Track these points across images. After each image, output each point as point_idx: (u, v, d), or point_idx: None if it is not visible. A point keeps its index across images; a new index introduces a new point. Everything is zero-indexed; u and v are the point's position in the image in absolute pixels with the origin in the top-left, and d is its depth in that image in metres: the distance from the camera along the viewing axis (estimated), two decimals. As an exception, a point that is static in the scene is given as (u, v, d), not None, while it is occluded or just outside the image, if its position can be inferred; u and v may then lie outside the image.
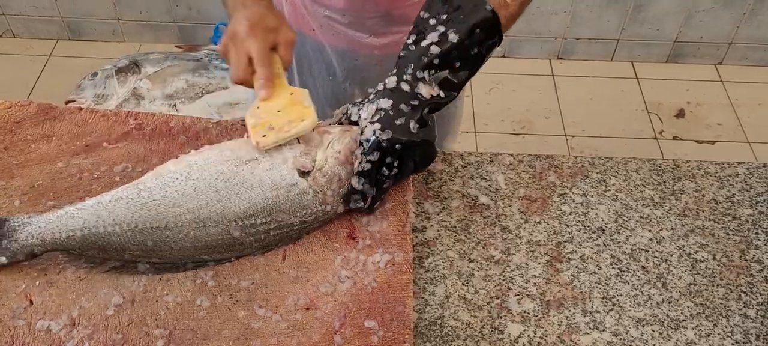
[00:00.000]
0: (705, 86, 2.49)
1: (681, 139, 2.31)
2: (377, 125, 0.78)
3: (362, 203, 0.80)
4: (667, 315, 0.80)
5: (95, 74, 2.23)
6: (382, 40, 1.08)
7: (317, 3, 1.06)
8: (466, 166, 0.95)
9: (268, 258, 0.79)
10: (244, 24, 0.82)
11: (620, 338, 0.77)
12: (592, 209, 0.90)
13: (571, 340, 0.77)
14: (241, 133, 0.93)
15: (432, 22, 0.81)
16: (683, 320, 0.79)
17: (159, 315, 0.74)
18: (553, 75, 2.54)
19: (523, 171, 0.94)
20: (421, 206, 0.90)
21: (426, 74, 0.79)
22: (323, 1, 1.05)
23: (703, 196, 0.92)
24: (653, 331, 0.78)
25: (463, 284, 0.82)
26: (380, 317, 0.74)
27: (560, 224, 0.88)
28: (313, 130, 0.80)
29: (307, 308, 0.75)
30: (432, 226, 0.88)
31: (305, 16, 1.10)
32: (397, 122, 0.78)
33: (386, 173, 0.79)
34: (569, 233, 0.87)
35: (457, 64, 0.81)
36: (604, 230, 0.88)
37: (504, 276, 0.83)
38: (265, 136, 0.79)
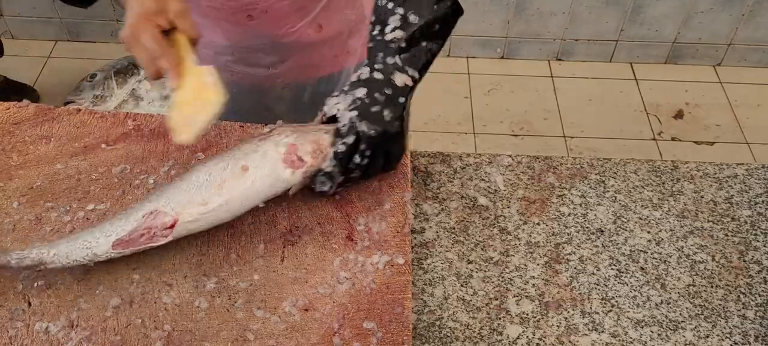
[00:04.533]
0: (704, 87, 2.49)
1: (680, 140, 2.31)
2: (354, 112, 0.79)
3: (326, 187, 0.80)
4: (666, 316, 0.80)
5: (94, 76, 2.23)
6: (280, 71, 1.08)
7: (205, 46, 1.01)
8: (464, 168, 0.95)
9: (267, 259, 0.79)
10: (131, 20, 0.75)
11: (619, 340, 0.77)
12: (590, 210, 0.90)
13: (569, 341, 0.77)
14: (240, 135, 0.93)
15: (390, 6, 0.82)
16: (682, 322, 0.79)
17: (157, 317, 0.74)
18: (551, 76, 2.54)
19: (522, 172, 0.94)
20: (419, 207, 0.90)
21: (397, 59, 0.81)
22: (211, 43, 1.04)
23: (702, 197, 0.92)
24: (652, 332, 0.78)
25: (461, 286, 0.82)
26: (379, 319, 0.74)
27: (559, 225, 0.88)
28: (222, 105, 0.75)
29: (306, 310, 0.75)
30: (431, 227, 0.88)
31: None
32: (372, 110, 0.79)
33: (357, 160, 0.79)
34: (568, 234, 0.87)
35: (424, 44, 0.82)
36: (603, 231, 0.88)
37: (503, 277, 0.83)
38: (183, 133, 0.75)
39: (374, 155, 0.80)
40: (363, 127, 0.78)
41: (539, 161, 0.96)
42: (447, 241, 0.86)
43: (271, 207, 0.84)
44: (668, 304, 0.81)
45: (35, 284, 0.76)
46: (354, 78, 0.82)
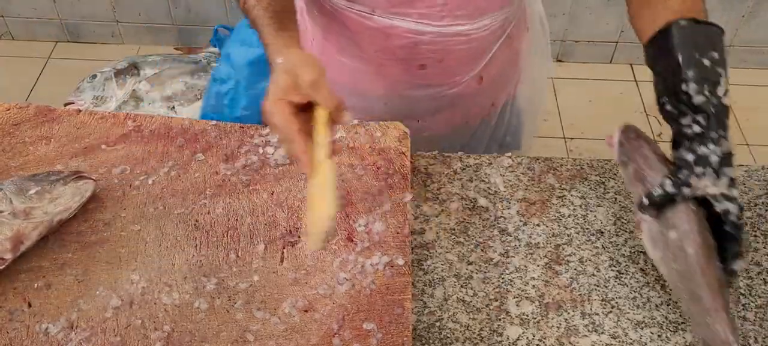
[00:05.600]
0: (704, 89, 2.49)
1: (680, 141, 2.31)
2: (736, 207, 0.72)
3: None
4: (666, 318, 0.79)
5: (94, 76, 2.23)
6: (432, 123, 1.04)
7: (357, 95, 1.00)
8: (464, 169, 0.95)
9: (267, 260, 0.79)
10: (268, 98, 0.70)
11: (619, 341, 0.77)
12: (590, 211, 0.90)
13: (569, 342, 0.77)
14: (240, 136, 0.93)
15: (706, 63, 0.75)
16: (682, 323, 0.79)
17: (157, 318, 0.74)
18: (551, 77, 2.54)
19: (522, 173, 0.94)
20: (419, 208, 0.90)
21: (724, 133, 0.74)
22: (365, 91, 1.00)
23: (702, 198, 0.92)
24: (652, 333, 0.78)
25: (461, 287, 0.82)
26: (379, 320, 0.74)
27: (559, 226, 0.88)
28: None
29: (306, 311, 0.75)
30: (431, 228, 0.88)
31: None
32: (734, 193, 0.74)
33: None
34: (568, 236, 0.87)
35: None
36: (602, 233, 0.88)
37: (503, 278, 0.83)
38: (309, 242, 0.70)
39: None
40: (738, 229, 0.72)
41: (539, 162, 0.96)
42: (447, 242, 0.86)
43: (270, 208, 0.84)
44: (668, 305, 0.81)
45: (35, 285, 0.76)
46: (709, 150, 0.72)
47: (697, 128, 0.73)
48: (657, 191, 0.74)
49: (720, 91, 0.73)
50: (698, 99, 0.73)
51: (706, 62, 0.74)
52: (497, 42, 0.99)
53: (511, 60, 1.08)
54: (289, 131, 0.68)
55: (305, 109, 0.70)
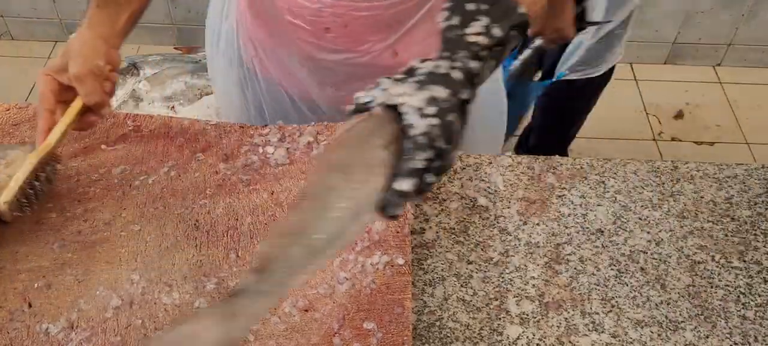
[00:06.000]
0: (704, 88, 2.49)
1: (680, 140, 2.31)
2: (435, 120, 0.63)
3: (400, 211, 0.63)
4: (666, 317, 0.80)
5: (94, 76, 2.22)
6: (349, 93, 1.02)
7: (279, 64, 1.04)
8: (464, 168, 0.95)
9: (267, 260, 0.79)
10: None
11: (619, 340, 0.77)
12: (590, 210, 0.90)
13: (569, 341, 0.77)
14: (240, 135, 0.93)
15: (470, 7, 0.71)
16: (682, 322, 0.79)
17: (157, 318, 0.74)
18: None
19: (522, 173, 0.94)
20: (419, 207, 0.90)
21: (474, 66, 0.68)
22: (286, 61, 1.03)
23: (702, 197, 0.92)
24: (652, 332, 0.78)
25: (461, 286, 0.82)
26: (379, 319, 0.74)
27: (559, 225, 0.88)
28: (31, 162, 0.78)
29: (306, 310, 0.75)
30: (430, 227, 0.88)
31: (272, 69, 1.07)
32: (449, 118, 0.65)
33: (429, 179, 0.64)
34: (568, 235, 0.87)
35: (492, 63, 0.72)
36: (602, 232, 0.88)
37: (503, 278, 0.83)
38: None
39: (442, 170, 0.65)
40: (441, 143, 0.63)
41: (539, 162, 0.96)
42: (447, 241, 0.86)
43: (270, 207, 0.84)
44: (668, 304, 0.81)
45: (35, 285, 0.76)
46: (427, 67, 0.67)
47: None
48: (359, 98, 0.66)
49: (468, 29, 0.69)
50: (443, 24, 0.70)
51: (468, 4, 0.71)
52: (414, 16, 0.96)
53: (438, 41, 1.04)
54: (41, 104, 0.81)
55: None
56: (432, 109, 0.63)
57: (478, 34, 0.69)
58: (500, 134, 1.25)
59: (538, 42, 1.58)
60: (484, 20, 0.71)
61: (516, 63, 1.64)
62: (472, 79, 0.68)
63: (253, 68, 1.09)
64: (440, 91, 0.65)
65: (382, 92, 0.66)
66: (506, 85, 1.46)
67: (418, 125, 0.63)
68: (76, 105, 0.81)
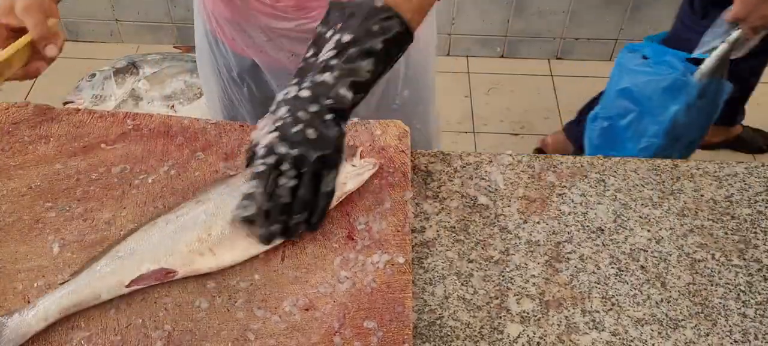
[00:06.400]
0: (703, 86, 2.49)
1: (679, 138, 2.31)
2: (275, 133, 0.74)
3: (252, 211, 0.75)
4: (666, 315, 0.80)
5: (93, 75, 2.23)
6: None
7: (237, 24, 1.07)
8: (464, 167, 0.95)
9: (267, 259, 0.79)
10: None
11: (619, 338, 0.77)
12: (591, 208, 0.90)
13: (570, 340, 0.77)
14: (240, 134, 0.93)
15: (328, 34, 0.78)
16: (682, 320, 0.79)
17: (158, 317, 0.74)
18: (551, 75, 2.54)
19: (522, 171, 0.94)
20: (419, 206, 0.90)
21: (327, 77, 0.75)
22: (243, 23, 1.06)
23: (702, 195, 0.92)
24: (652, 330, 0.78)
25: (462, 285, 0.82)
26: (379, 318, 0.74)
27: (559, 224, 0.88)
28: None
29: (306, 309, 0.75)
30: (431, 226, 0.88)
31: (233, 38, 1.11)
32: (293, 130, 0.74)
33: (283, 181, 0.74)
34: (568, 233, 0.87)
35: (362, 63, 0.76)
36: (603, 230, 0.88)
37: (503, 276, 0.83)
38: None
39: (301, 168, 0.74)
40: (281, 148, 0.73)
41: (539, 160, 0.96)
42: (447, 240, 0.86)
43: (271, 206, 0.84)
44: (668, 302, 0.81)
45: (35, 284, 0.76)
46: (280, 96, 0.78)
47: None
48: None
49: (321, 55, 0.78)
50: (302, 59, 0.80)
51: (327, 33, 0.79)
52: None
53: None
54: None
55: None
56: (273, 127, 0.76)
57: (327, 52, 0.78)
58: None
59: (734, 34, 1.38)
60: (335, 38, 0.77)
61: (709, 60, 1.44)
62: (331, 88, 0.76)
63: (221, 40, 1.14)
64: (282, 112, 0.76)
65: (256, 130, 0.79)
66: (697, 85, 1.41)
67: (264, 140, 0.76)
68: (23, 40, 0.84)
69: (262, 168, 0.74)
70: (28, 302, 0.75)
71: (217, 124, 0.94)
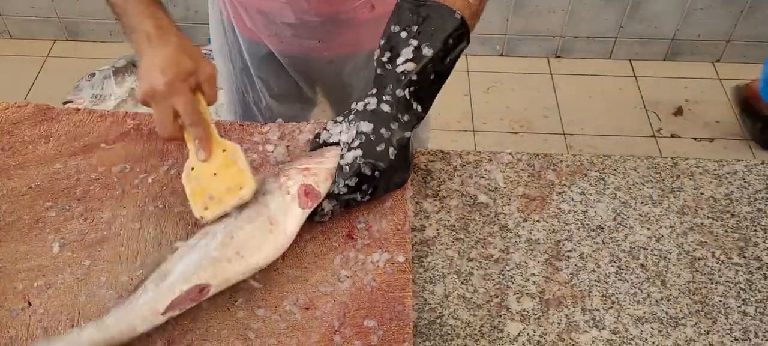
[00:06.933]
0: (703, 84, 2.49)
1: (679, 136, 2.31)
2: (359, 151, 0.77)
3: (326, 219, 0.80)
4: (666, 313, 0.80)
5: (93, 75, 2.23)
6: (331, 45, 1.09)
7: (270, 24, 1.07)
8: (464, 165, 0.95)
9: (267, 258, 0.79)
10: (160, 80, 0.76)
11: (619, 336, 0.77)
12: (591, 207, 0.90)
13: (570, 338, 0.77)
14: (239, 134, 0.93)
15: (403, 35, 0.79)
16: (682, 318, 0.79)
17: (158, 316, 0.74)
18: (551, 73, 2.54)
19: (522, 170, 0.94)
20: (419, 205, 0.90)
21: (406, 93, 0.78)
22: (274, 20, 1.06)
23: (702, 193, 0.92)
24: (652, 329, 0.78)
25: (462, 283, 0.82)
26: (380, 317, 0.74)
27: (559, 222, 0.88)
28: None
29: (307, 308, 0.75)
30: (431, 225, 0.88)
31: (253, 26, 1.11)
32: (378, 149, 0.77)
33: (358, 198, 0.79)
34: (568, 232, 0.87)
35: (432, 77, 0.80)
36: (603, 228, 0.88)
37: (503, 275, 0.83)
38: (206, 208, 0.76)
39: (376, 190, 0.79)
40: (367, 170, 0.76)
41: (539, 159, 0.96)
42: (447, 238, 0.86)
43: (271, 206, 0.84)
44: (668, 300, 0.81)
45: (35, 284, 0.76)
46: (359, 106, 0.79)
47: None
48: (316, 138, 0.84)
49: (399, 60, 0.79)
50: (376, 61, 0.80)
51: (402, 33, 0.79)
52: None
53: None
54: (195, 112, 0.77)
55: None
56: (356, 142, 0.77)
57: (406, 61, 0.79)
58: None
59: None
60: (413, 44, 0.77)
61: None
62: (408, 106, 0.78)
63: (232, 26, 1.15)
64: (366, 127, 0.77)
65: (326, 132, 0.81)
66: None
67: (346, 157, 0.77)
68: (205, 107, 0.80)
69: (344, 190, 0.77)
70: (29, 302, 0.75)
71: (216, 124, 0.94)
